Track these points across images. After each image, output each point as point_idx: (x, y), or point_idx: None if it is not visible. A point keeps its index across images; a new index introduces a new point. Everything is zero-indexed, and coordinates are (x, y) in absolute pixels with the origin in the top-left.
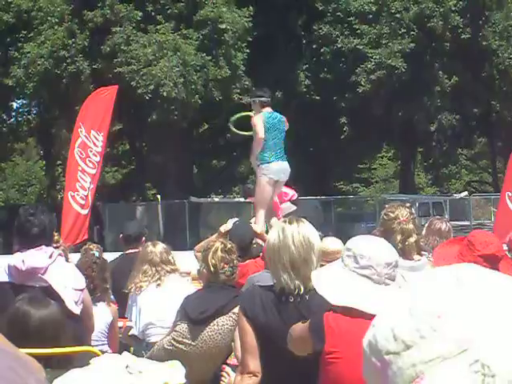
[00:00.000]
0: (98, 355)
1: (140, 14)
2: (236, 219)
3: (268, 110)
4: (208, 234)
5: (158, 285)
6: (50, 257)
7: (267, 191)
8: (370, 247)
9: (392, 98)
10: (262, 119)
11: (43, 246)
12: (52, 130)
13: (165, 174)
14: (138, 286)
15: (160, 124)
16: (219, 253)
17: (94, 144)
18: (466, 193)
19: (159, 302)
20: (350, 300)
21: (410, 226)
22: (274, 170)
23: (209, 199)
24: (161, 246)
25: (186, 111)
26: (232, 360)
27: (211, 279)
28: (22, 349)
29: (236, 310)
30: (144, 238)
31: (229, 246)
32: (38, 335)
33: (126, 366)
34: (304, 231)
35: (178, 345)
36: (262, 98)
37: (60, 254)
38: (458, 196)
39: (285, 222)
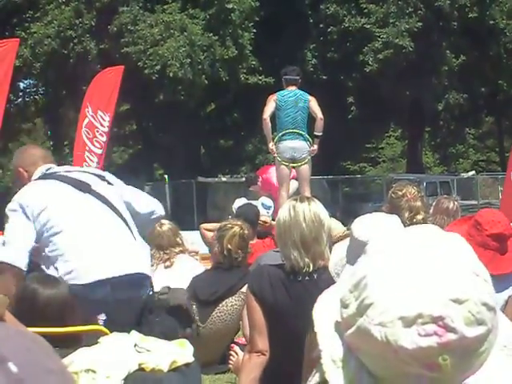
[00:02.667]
0: (107, 334)
1: None
2: (243, 199)
3: (291, 88)
4: (215, 213)
5: (167, 266)
6: None
7: (280, 171)
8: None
9: (399, 78)
10: (274, 98)
11: None
12: (59, 110)
13: (172, 154)
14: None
15: (167, 104)
16: (237, 238)
17: (101, 124)
18: (473, 172)
19: (169, 282)
20: None
21: (418, 203)
22: (281, 149)
23: (216, 179)
24: (167, 227)
25: (192, 91)
26: (240, 338)
27: (223, 261)
28: (30, 327)
29: (244, 289)
30: None
31: (246, 232)
32: (45, 314)
33: (135, 345)
34: (315, 209)
35: None
36: (286, 76)
37: None
38: (465, 175)
39: (296, 200)
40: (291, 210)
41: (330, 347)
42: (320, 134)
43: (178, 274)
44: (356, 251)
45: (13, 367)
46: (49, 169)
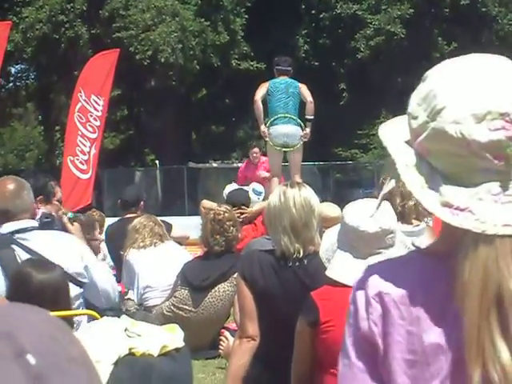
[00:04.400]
0: (98, 319)
1: None
2: (234, 184)
3: (283, 77)
4: (206, 199)
5: (153, 249)
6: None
7: (271, 156)
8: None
9: (391, 64)
10: (266, 85)
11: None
12: (50, 95)
13: (163, 139)
14: (135, 247)
15: (158, 90)
16: (208, 225)
17: (95, 108)
18: None
19: (155, 265)
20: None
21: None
22: (273, 134)
23: (207, 165)
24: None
25: (184, 77)
26: (230, 324)
27: (206, 248)
28: None
29: (236, 275)
30: (142, 203)
31: (221, 216)
32: (38, 298)
33: (125, 329)
34: (305, 195)
35: (177, 311)
36: (278, 67)
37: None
38: None
39: (286, 185)
40: (281, 196)
41: (401, 154)
42: (311, 117)
43: (163, 258)
44: (347, 237)
45: (31, 360)
46: None
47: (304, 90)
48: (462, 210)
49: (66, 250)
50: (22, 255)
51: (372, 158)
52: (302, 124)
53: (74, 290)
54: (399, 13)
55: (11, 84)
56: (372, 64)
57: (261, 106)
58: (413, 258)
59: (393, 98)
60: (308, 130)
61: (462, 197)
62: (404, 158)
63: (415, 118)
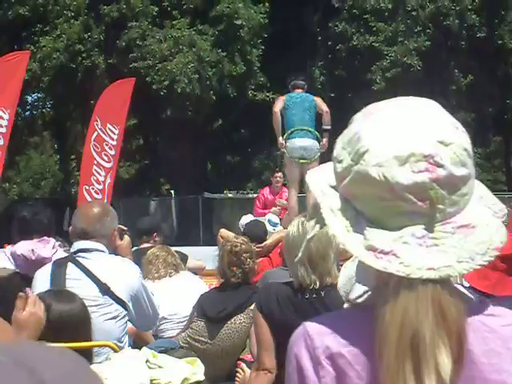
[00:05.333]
0: (117, 351)
1: (156, 8)
2: (250, 215)
3: (298, 91)
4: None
5: (168, 279)
6: (53, 247)
7: (289, 169)
8: None
9: (407, 96)
10: (283, 98)
11: (45, 237)
12: (66, 124)
13: (179, 169)
14: (150, 278)
15: (174, 119)
16: (226, 257)
17: (110, 137)
18: None
19: (171, 296)
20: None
21: None
22: (289, 148)
23: (222, 195)
24: (164, 251)
25: (200, 107)
26: (246, 355)
27: (222, 279)
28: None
29: (252, 307)
30: (155, 234)
31: (238, 248)
32: (57, 329)
33: (147, 361)
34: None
35: (193, 342)
36: (292, 82)
37: (60, 246)
38: None
39: (305, 216)
40: (300, 226)
41: (327, 198)
42: (328, 127)
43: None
44: (365, 270)
45: None
46: None
47: (319, 101)
48: (386, 253)
49: (119, 274)
50: (73, 273)
51: None
52: (319, 136)
53: (119, 311)
54: (416, 45)
55: (28, 112)
56: (388, 96)
57: (279, 117)
58: (350, 315)
59: None
60: (325, 140)
61: (386, 240)
62: (329, 202)
63: (340, 161)
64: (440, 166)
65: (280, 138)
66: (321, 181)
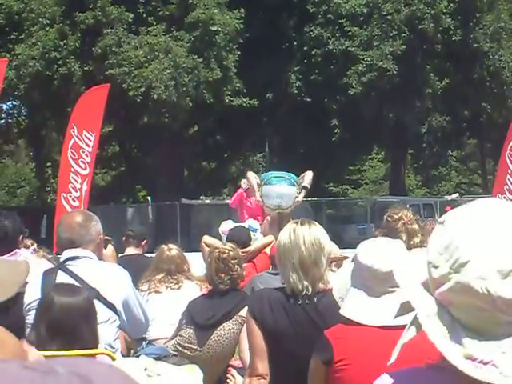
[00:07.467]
0: (114, 360)
1: (131, 15)
2: (230, 221)
3: None
4: (199, 235)
5: (174, 289)
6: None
7: (270, 217)
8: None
9: (383, 100)
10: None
11: (16, 250)
12: (42, 131)
13: (155, 175)
14: (153, 290)
15: (150, 126)
16: (213, 264)
17: (87, 144)
18: (456, 194)
19: (171, 306)
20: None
21: (415, 226)
22: (266, 192)
23: (199, 201)
24: (176, 253)
25: (176, 113)
26: (235, 362)
27: (211, 286)
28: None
29: (241, 313)
30: (144, 242)
31: (226, 254)
32: (58, 323)
33: (145, 369)
34: (315, 233)
35: (182, 350)
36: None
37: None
38: (448, 198)
39: (296, 223)
40: (291, 233)
41: (423, 304)
42: (308, 186)
43: (181, 300)
44: (361, 275)
45: None
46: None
47: (309, 176)
48: (485, 363)
49: (108, 279)
50: (62, 280)
51: (363, 194)
52: (296, 183)
53: (110, 315)
54: (391, 49)
55: (2, 121)
56: (364, 100)
57: (253, 175)
58: (422, 373)
59: (384, 133)
60: (301, 197)
61: (485, 350)
62: (425, 308)
63: (436, 267)
64: None
65: (257, 195)
66: (413, 280)
